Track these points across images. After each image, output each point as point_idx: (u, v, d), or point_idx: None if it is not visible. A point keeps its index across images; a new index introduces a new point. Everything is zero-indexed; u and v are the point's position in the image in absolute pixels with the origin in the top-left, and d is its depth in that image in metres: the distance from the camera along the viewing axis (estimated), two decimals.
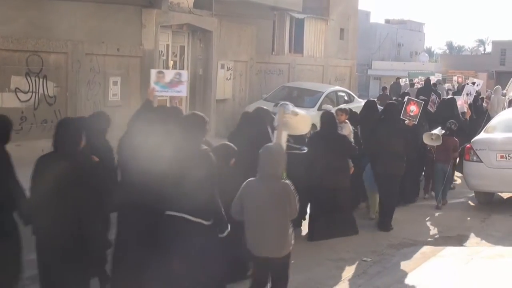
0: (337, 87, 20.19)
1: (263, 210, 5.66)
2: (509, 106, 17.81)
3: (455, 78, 28.59)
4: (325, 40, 25.28)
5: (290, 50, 23.21)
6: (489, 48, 71.65)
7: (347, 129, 9.75)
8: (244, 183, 5.80)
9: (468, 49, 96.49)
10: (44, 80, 12.42)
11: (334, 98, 18.34)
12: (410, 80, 28.68)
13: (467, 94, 15.00)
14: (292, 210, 5.74)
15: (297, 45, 23.66)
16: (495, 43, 59.19)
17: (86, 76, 13.41)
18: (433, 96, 14.79)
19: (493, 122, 12.06)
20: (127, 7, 14.49)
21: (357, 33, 28.94)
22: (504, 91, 22.13)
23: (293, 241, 5.87)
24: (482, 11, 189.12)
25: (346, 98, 18.92)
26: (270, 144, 6.27)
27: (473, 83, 19.23)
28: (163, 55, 16.27)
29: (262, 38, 20.51)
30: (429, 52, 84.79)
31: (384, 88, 26.09)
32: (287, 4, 20.53)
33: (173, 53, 16.98)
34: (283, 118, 6.95)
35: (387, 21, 70.00)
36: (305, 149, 8.83)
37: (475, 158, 10.95)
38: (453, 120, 11.66)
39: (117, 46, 14.17)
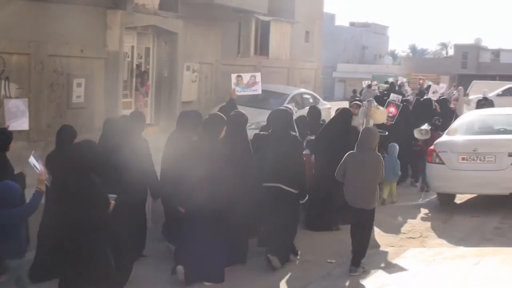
0: (303, 90, 20.17)
1: (360, 173, 7.59)
2: (476, 108, 18.34)
3: (400, 77, 29.71)
4: (290, 43, 25.32)
5: (255, 52, 23.16)
6: (451, 52, 72.65)
7: (357, 121, 10.45)
8: (347, 154, 7.76)
9: (431, 52, 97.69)
10: (6, 82, 12.19)
11: (299, 101, 18.31)
12: (368, 82, 29.32)
13: (433, 92, 16.38)
14: (381, 175, 7.75)
15: (262, 47, 23.61)
16: (457, 47, 60.09)
17: (49, 78, 13.22)
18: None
19: (454, 124, 12.21)
20: (91, 8, 14.34)
21: (322, 35, 29.08)
22: (467, 92, 22.82)
23: (377, 199, 7.94)
24: (444, 15, 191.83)
25: (311, 100, 18.91)
26: (368, 126, 8.64)
27: (429, 86, 20.71)
28: (128, 57, 16.15)
29: (227, 40, 20.46)
30: (393, 55, 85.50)
31: (354, 91, 27.65)
32: (253, 6, 20.48)
33: (138, 54, 16.86)
34: (370, 111, 9.12)
35: (352, 24, 70.42)
36: (386, 133, 10.77)
37: (437, 160, 11.03)
38: (437, 117, 13.58)
39: (81, 47, 14.01)
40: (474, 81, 31.28)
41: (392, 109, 12.11)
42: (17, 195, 5.92)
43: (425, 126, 12.60)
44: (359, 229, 7.73)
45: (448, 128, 12.11)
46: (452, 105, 17.85)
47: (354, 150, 7.81)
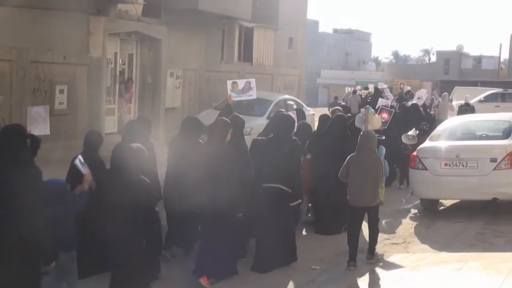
0: (286, 96, 20.15)
1: (363, 173, 8.14)
2: (458, 114, 18.54)
3: (381, 83, 30.30)
4: (274, 49, 25.35)
5: (239, 59, 23.15)
6: (433, 58, 73.22)
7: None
8: (349, 156, 8.31)
9: (414, 59, 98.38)
10: None
11: (283, 107, 18.30)
12: (353, 88, 29.48)
13: (419, 98, 16.65)
14: (381, 174, 8.48)
15: (246, 54, 23.60)
16: (439, 53, 60.64)
17: (31, 84, 13.14)
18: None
19: (437, 130, 12.25)
20: (74, 14, 14.25)
21: (305, 42, 29.13)
22: (450, 98, 23.10)
23: (379, 197, 8.52)
24: (427, 22, 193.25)
25: (295, 106, 18.86)
26: (367, 129, 9.18)
27: (408, 91, 23.22)
28: (111, 63, 16.07)
29: (211, 47, 20.44)
30: (376, 61, 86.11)
31: (335, 97, 27.91)
32: (236, 13, 20.47)
33: (122, 61, 16.80)
34: (368, 118, 9.81)
35: (335, 31, 70.83)
36: (383, 137, 11.10)
37: (420, 166, 11.06)
38: (425, 122, 14.29)
39: (63, 53, 13.94)
40: (456, 87, 31.45)
41: (385, 115, 12.39)
42: (65, 191, 6.11)
43: (412, 132, 12.87)
44: (369, 225, 8.43)
45: (431, 134, 12.16)
46: (432, 111, 18.09)
47: (355, 153, 8.36)
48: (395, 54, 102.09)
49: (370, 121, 9.92)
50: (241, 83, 11.11)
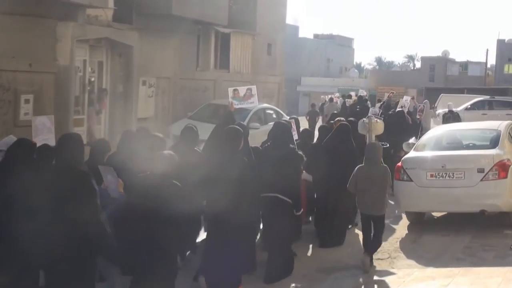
0: (265, 105, 19.98)
1: (370, 184, 8.58)
2: (442, 122, 18.45)
3: (361, 90, 30.62)
4: (252, 56, 25.36)
5: (215, 66, 23.21)
6: (418, 64, 73.57)
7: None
8: (357, 167, 8.79)
9: (398, 65, 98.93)
10: None
11: (262, 116, 18.04)
12: (330, 96, 29.80)
13: (402, 107, 17.13)
14: (389, 184, 8.95)
15: (223, 61, 23.66)
16: (424, 59, 60.92)
17: None
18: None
19: (422, 140, 12.09)
20: (40, 20, 14.04)
21: (285, 48, 29.02)
22: (435, 106, 23.18)
23: (387, 206, 8.84)
24: (411, 27, 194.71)
25: (274, 115, 18.72)
26: (373, 141, 9.79)
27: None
28: (80, 71, 15.97)
29: (186, 54, 20.37)
30: (359, 67, 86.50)
31: (313, 105, 27.56)
32: (212, 18, 20.42)
33: (91, 68, 16.71)
34: (372, 125, 10.40)
35: (316, 36, 70.94)
36: (387, 145, 11.56)
37: (405, 177, 10.88)
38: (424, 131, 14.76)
39: (29, 61, 13.75)
40: (442, 94, 31.31)
41: None
42: (106, 197, 6.42)
43: (413, 140, 13.05)
44: (373, 232, 8.74)
45: (416, 144, 12.00)
46: (418, 116, 18.30)
47: (363, 164, 8.81)
48: (379, 60, 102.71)
49: (374, 129, 10.55)
50: (242, 90, 11.29)
